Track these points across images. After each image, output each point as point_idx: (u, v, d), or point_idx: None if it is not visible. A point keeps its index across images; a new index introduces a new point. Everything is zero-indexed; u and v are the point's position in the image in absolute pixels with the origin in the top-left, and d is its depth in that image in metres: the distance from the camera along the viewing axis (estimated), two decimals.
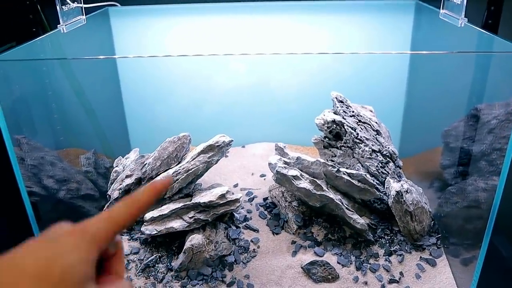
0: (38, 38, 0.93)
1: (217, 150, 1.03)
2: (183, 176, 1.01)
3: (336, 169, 1.00)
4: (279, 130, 1.36)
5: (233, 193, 1.05)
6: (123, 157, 1.18)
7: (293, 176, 0.97)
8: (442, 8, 1.02)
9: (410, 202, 0.99)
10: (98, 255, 0.38)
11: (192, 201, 0.99)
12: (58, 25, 0.96)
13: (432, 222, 1.06)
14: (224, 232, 1.01)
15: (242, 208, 1.10)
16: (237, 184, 1.20)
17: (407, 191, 1.00)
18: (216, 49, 1.27)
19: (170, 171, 1.03)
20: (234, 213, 1.07)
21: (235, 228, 1.04)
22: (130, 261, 0.98)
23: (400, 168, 1.12)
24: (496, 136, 0.96)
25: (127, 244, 1.02)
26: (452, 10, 0.98)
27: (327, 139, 1.09)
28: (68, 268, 0.34)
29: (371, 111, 1.13)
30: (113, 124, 1.32)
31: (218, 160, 1.04)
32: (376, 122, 1.09)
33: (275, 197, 1.09)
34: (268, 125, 1.37)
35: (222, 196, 0.97)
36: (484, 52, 0.86)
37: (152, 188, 0.42)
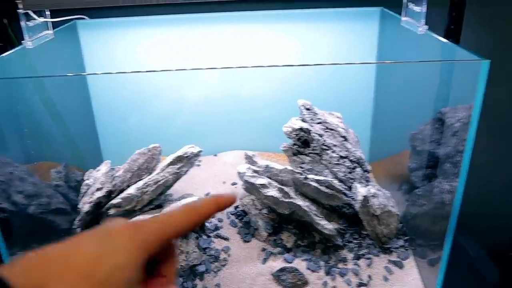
0: (3, 55, 0.93)
1: (186, 161, 1.04)
2: (153, 188, 1.02)
3: (303, 176, 1.01)
4: (251, 138, 1.37)
5: None
6: (94, 170, 1.18)
7: (261, 184, 0.99)
8: (404, 16, 1.04)
9: (377, 206, 1.01)
10: (149, 258, 0.37)
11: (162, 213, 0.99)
12: (22, 41, 0.97)
13: (400, 224, 1.08)
14: (195, 242, 1.02)
15: (213, 217, 1.11)
16: (208, 193, 1.21)
17: (373, 196, 1.02)
18: (186, 61, 1.28)
19: (140, 183, 1.04)
20: (206, 223, 1.08)
21: (206, 237, 1.05)
22: None
23: (368, 173, 1.14)
24: (459, 138, 0.99)
25: None
26: (413, 17, 1.00)
27: (296, 146, 1.10)
28: (115, 269, 0.34)
29: (339, 117, 1.15)
30: (84, 136, 1.32)
31: (187, 170, 1.05)
32: (343, 128, 1.11)
33: (246, 205, 1.10)
34: (240, 133, 1.38)
35: None
36: (441, 61, 0.88)
37: (213, 201, 0.41)
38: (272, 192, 0.98)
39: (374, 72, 1.25)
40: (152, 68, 1.28)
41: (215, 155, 1.39)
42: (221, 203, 0.41)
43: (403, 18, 1.03)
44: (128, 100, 1.32)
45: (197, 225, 0.39)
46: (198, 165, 1.34)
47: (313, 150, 1.07)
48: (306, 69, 1.27)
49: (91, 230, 0.37)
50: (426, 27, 0.93)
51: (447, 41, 0.83)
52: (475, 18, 1.25)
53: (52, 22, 1.08)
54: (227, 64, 1.26)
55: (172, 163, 1.03)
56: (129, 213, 1.04)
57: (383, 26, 1.19)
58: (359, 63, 1.01)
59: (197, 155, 1.05)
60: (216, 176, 1.27)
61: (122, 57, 1.27)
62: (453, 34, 1.18)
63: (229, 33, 1.26)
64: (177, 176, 1.03)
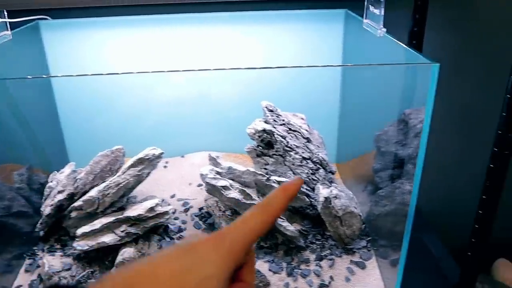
0: None
1: (148, 163, 1.03)
2: (114, 190, 1.01)
3: (266, 178, 1.01)
4: (218, 139, 1.37)
5: (169, 204, 1.06)
6: (58, 172, 1.17)
7: (222, 186, 0.99)
8: (365, 18, 1.05)
9: (339, 208, 1.01)
10: (236, 267, 0.37)
11: (124, 215, 0.99)
12: None
13: (364, 225, 1.09)
14: (158, 244, 1.02)
15: (176, 219, 1.11)
16: (174, 194, 1.21)
17: (336, 197, 1.02)
18: (154, 62, 1.27)
19: (102, 185, 1.03)
20: (169, 225, 1.07)
21: (169, 240, 1.04)
22: (61, 278, 0.97)
23: (333, 174, 1.15)
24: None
25: (59, 261, 1.01)
26: (373, 20, 1.01)
27: (260, 147, 1.11)
28: (203, 282, 0.34)
29: (302, 118, 1.15)
30: (49, 138, 1.30)
31: (149, 172, 1.05)
32: (307, 130, 1.12)
33: (210, 206, 1.10)
34: (208, 135, 1.37)
35: (151, 209, 0.97)
36: (391, 64, 0.89)
37: (282, 192, 0.40)
38: (234, 194, 0.98)
39: (339, 73, 1.26)
40: (120, 69, 1.27)
41: (182, 157, 1.38)
42: (290, 191, 0.41)
43: (365, 21, 1.04)
44: (95, 101, 1.31)
45: (274, 221, 0.40)
46: (165, 167, 1.33)
47: (276, 151, 1.07)
48: (273, 71, 1.27)
49: (174, 245, 0.37)
50: (384, 29, 0.94)
51: (403, 44, 0.84)
52: (439, 20, 1.26)
53: (12, 22, 1.06)
54: (193, 66, 1.25)
55: (133, 165, 1.02)
56: (91, 216, 1.03)
57: (347, 28, 1.20)
58: (321, 66, 1.02)
59: (159, 157, 1.05)
60: (182, 178, 1.26)
61: (89, 58, 1.26)
62: (416, 36, 1.19)
63: (195, 34, 1.26)
64: (139, 178, 1.02)
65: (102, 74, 1.09)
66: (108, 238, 0.98)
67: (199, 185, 1.23)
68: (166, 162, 1.35)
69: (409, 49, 0.82)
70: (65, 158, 1.33)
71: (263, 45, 1.28)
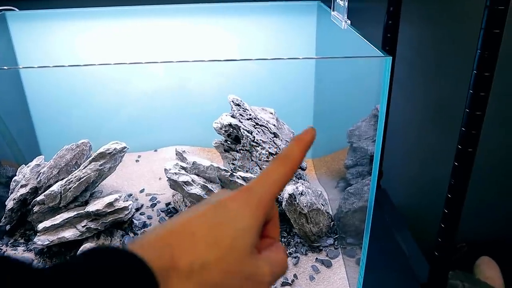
0: None
1: (109, 158, 1.02)
2: (75, 185, 0.99)
3: (229, 174, 0.99)
4: (195, 133, 1.35)
5: (137, 199, 1.04)
6: (26, 166, 1.16)
7: (184, 182, 0.97)
8: (333, 10, 1.02)
9: (304, 205, 0.99)
10: (265, 220, 0.38)
11: (85, 210, 0.97)
12: None
13: (332, 223, 1.07)
14: (121, 240, 1.00)
15: (142, 215, 1.09)
16: (143, 189, 1.19)
17: (301, 193, 1.00)
18: (129, 54, 1.25)
19: (64, 180, 1.01)
20: (134, 220, 1.06)
21: (132, 235, 1.03)
22: None
23: (303, 170, 1.13)
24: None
25: (21, 256, 1.00)
26: (339, 11, 0.98)
27: (227, 142, 1.09)
28: (237, 235, 0.34)
29: (271, 113, 1.13)
30: (20, 132, 1.29)
31: (111, 167, 1.03)
32: (274, 125, 1.09)
33: (177, 202, 1.09)
34: (184, 128, 1.35)
35: (110, 204, 0.96)
36: (345, 57, 0.87)
37: (297, 143, 0.41)
38: (195, 189, 0.97)
39: (313, 67, 1.24)
40: (91, 61, 1.25)
41: (155, 151, 1.37)
42: (304, 141, 0.41)
43: (332, 13, 1.01)
44: (67, 93, 1.29)
45: (294, 172, 0.40)
46: (137, 161, 1.31)
47: (243, 146, 1.05)
48: (251, 64, 1.24)
49: (202, 203, 0.37)
50: (348, 22, 0.91)
51: (362, 37, 0.81)
52: (414, 13, 1.23)
53: None
54: (166, 58, 1.23)
55: (94, 160, 1.00)
56: (55, 210, 1.02)
57: (320, 20, 1.17)
58: (287, 58, 1.00)
59: (121, 151, 1.03)
60: (153, 172, 1.25)
61: (59, 50, 1.24)
62: (391, 30, 1.16)
63: (167, 26, 1.24)
64: (100, 173, 1.01)
65: (63, 66, 1.07)
66: (69, 233, 0.96)
67: None
68: (139, 156, 1.33)
69: (367, 42, 0.80)
70: (37, 151, 1.32)
71: (237, 37, 1.25)
